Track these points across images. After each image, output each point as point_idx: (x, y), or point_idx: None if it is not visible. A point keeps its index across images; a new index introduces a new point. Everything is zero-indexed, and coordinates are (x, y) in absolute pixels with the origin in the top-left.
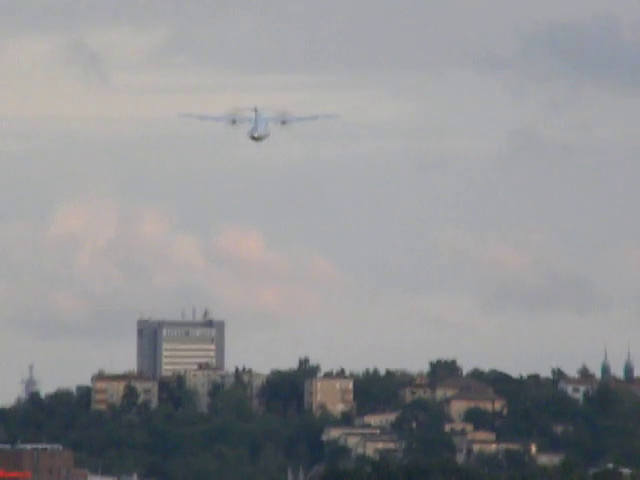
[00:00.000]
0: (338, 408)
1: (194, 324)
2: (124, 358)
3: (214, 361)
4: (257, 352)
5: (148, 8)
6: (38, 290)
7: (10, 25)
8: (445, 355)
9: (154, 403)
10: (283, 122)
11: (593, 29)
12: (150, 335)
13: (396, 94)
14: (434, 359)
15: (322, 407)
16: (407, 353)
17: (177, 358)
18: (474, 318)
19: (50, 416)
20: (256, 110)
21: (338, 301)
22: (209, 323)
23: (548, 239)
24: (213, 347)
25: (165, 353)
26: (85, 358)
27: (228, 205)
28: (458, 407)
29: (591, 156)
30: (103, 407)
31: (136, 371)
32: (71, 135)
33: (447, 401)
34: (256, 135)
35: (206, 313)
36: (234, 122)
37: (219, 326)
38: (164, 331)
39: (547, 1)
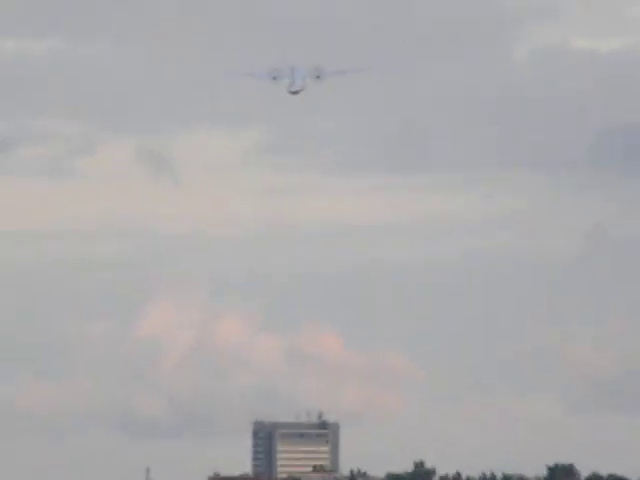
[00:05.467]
0: None
1: (309, 426)
2: (239, 459)
3: (329, 463)
4: (371, 454)
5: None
6: (128, 390)
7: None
8: (560, 459)
9: None
10: (318, 77)
11: None
12: (265, 437)
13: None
14: (551, 463)
15: None
16: (520, 456)
17: (292, 460)
18: (566, 418)
19: None
20: (293, 66)
21: (430, 402)
22: (324, 425)
23: (632, 335)
24: (328, 449)
25: (280, 455)
26: (200, 459)
27: (308, 305)
28: None
29: None
30: None
31: (251, 473)
32: (157, 236)
33: None
34: (293, 89)
35: (321, 414)
36: (275, 79)
37: (334, 428)
38: (279, 433)
39: (616, 102)
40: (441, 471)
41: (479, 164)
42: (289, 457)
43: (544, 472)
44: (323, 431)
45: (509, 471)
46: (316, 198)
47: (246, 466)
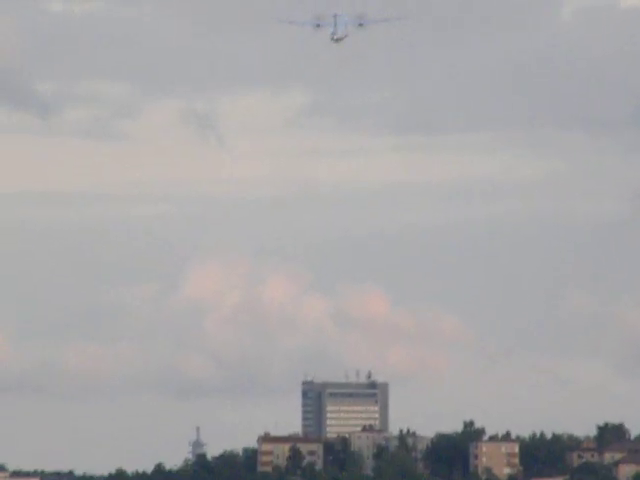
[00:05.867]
0: (504, 471)
1: (358, 386)
2: (289, 419)
3: (378, 423)
4: (420, 414)
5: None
6: (177, 352)
7: (143, 88)
8: (610, 419)
9: (319, 465)
10: (360, 24)
11: None
12: (314, 397)
13: (532, 153)
14: (601, 422)
15: (488, 470)
16: (569, 416)
17: (341, 420)
18: (615, 379)
19: (217, 478)
20: (335, 15)
21: (479, 362)
22: (373, 385)
23: None
24: (377, 409)
25: (329, 415)
26: (250, 420)
27: (354, 266)
28: (626, 471)
29: None
30: (268, 469)
31: (301, 433)
32: (201, 198)
33: (615, 465)
34: (336, 37)
35: (370, 374)
36: (318, 26)
37: (383, 388)
38: (328, 393)
39: None
40: (490, 431)
41: (525, 124)
42: (338, 417)
43: (594, 431)
44: (372, 391)
45: (559, 431)
46: (352, 160)
47: (296, 426)
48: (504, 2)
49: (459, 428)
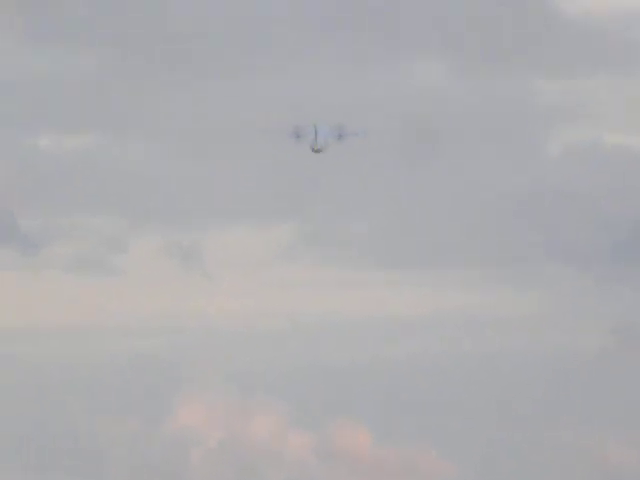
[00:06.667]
0: None
1: None
2: None
3: None
4: None
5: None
6: None
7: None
8: None
9: None
10: (340, 136)
11: None
12: None
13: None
14: None
15: None
16: None
17: None
18: None
19: None
20: (315, 125)
21: None
22: None
23: None
24: None
25: None
26: None
27: (338, 400)
28: None
29: None
30: None
31: None
32: (186, 332)
33: None
34: (316, 148)
35: None
36: (298, 137)
37: None
38: None
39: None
40: None
41: (506, 259)
42: None
43: None
44: None
45: None
46: (340, 292)
47: None
48: (491, 137)
49: None
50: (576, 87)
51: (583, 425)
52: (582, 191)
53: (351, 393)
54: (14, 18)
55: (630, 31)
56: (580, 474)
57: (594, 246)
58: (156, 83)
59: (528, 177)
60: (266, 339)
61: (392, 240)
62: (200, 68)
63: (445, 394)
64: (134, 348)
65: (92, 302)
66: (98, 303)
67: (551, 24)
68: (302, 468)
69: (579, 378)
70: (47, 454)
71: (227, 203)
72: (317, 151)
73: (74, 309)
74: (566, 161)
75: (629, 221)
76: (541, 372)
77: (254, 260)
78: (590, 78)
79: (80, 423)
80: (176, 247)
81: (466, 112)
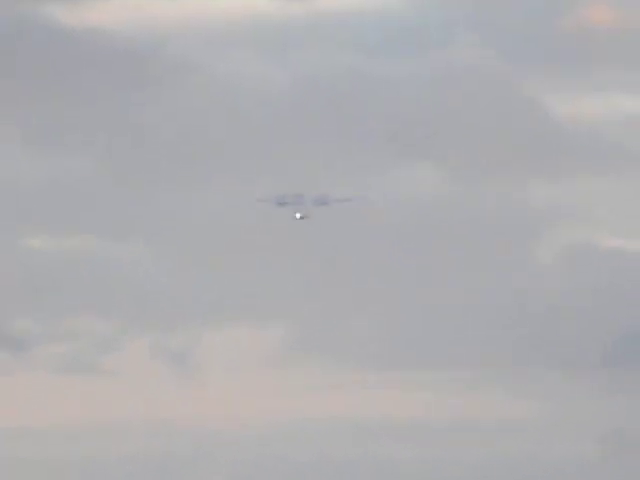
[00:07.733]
0: None
1: None
2: None
3: None
4: None
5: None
6: None
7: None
8: None
9: None
10: (323, 203)
11: None
12: None
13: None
14: None
15: None
16: None
17: None
18: None
19: None
20: (299, 194)
21: None
22: None
23: None
24: None
25: None
26: None
27: None
28: None
29: None
30: None
31: None
32: (180, 435)
33: None
34: (299, 216)
35: None
36: (283, 204)
37: None
38: None
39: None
40: None
41: (498, 364)
42: None
43: None
44: None
45: None
46: (338, 394)
47: None
48: (483, 240)
49: None
50: (566, 191)
51: None
52: (577, 296)
53: None
54: (11, 123)
55: (623, 134)
56: None
57: (588, 352)
58: (150, 186)
59: (525, 281)
60: (262, 444)
61: (385, 343)
62: (189, 170)
63: None
64: (125, 450)
65: (75, 403)
66: (81, 404)
67: (541, 127)
68: None
69: None
70: None
71: (222, 304)
72: (301, 218)
73: (60, 410)
74: (559, 265)
75: (620, 328)
76: (534, 477)
77: (248, 361)
78: (578, 181)
79: None
80: (169, 351)
81: (460, 217)
